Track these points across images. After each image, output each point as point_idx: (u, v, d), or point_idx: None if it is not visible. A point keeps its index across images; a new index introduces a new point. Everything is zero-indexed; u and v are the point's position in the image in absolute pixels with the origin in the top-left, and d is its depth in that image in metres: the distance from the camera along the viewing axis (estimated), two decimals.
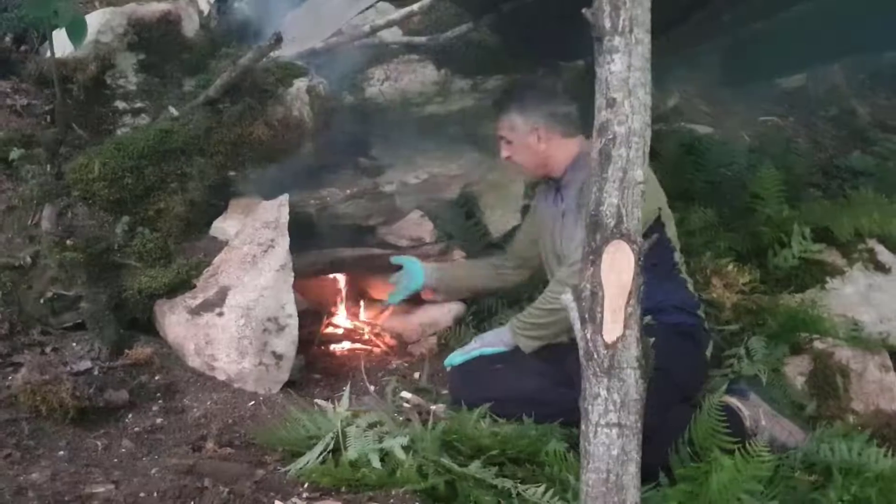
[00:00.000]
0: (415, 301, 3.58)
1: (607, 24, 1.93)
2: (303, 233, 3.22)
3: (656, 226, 2.80)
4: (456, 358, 3.03)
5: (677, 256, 2.96)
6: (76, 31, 2.85)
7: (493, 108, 3.19)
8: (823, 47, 4.35)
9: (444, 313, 3.61)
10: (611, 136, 1.94)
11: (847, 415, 3.01)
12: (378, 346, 3.56)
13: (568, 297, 2.04)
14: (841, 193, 4.45)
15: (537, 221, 3.22)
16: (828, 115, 5.93)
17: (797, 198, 4.18)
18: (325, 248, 3.48)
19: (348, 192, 3.48)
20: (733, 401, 2.73)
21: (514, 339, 2.92)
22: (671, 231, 2.94)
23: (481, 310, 3.64)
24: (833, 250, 3.74)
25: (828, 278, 3.64)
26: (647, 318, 2.00)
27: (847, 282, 3.63)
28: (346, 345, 3.55)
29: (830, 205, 4.04)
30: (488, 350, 2.96)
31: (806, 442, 2.66)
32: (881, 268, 3.72)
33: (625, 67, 1.93)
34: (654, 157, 4.41)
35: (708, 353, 2.93)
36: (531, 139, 2.97)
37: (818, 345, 3.17)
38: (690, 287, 2.98)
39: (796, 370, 3.11)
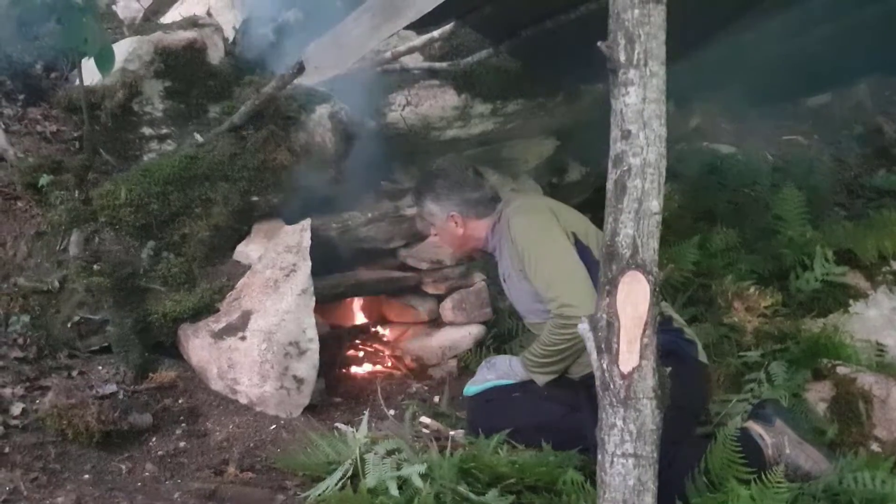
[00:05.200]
0: (434, 322, 3.61)
1: (622, 57, 1.95)
2: (324, 256, 3.25)
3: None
4: (471, 389, 3.05)
5: None
6: (104, 60, 2.90)
7: (412, 196, 3.39)
8: (848, 68, 4.33)
9: (464, 336, 3.64)
10: (626, 168, 1.96)
11: (870, 442, 2.98)
12: (398, 368, 3.58)
13: (584, 327, 2.05)
14: (865, 214, 4.42)
15: None
16: (853, 133, 5.89)
17: (820, 218, 4.16)
18: (347, 270, 3.51)
19: (370, 215, 3.53)
20: (756, 428, 2.70)
21: (528, 374, 2.93)
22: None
23: (501, 332, 3.65)
24: (857, 273, 3.71)
25: (851, 301, 3.61)
26: None
27: (871, 305, 3.60)
28: (367, 367, 3.57)
29: (854, 226, 4.00)
30: (501, 382, 2.98)
31: (831, 470, 2.62)
32: None
33: (640, 100, 1.94)
34: (676, 177, 4.45)
35: (699, 357, 2.86)
36: (450, 225, 3.10)
37: (840, 370, 3.14)
38: None
39: (818, 396, 3.09)
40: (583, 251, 2.83)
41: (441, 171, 3.21)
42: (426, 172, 3.34)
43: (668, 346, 2.72)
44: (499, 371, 3.02)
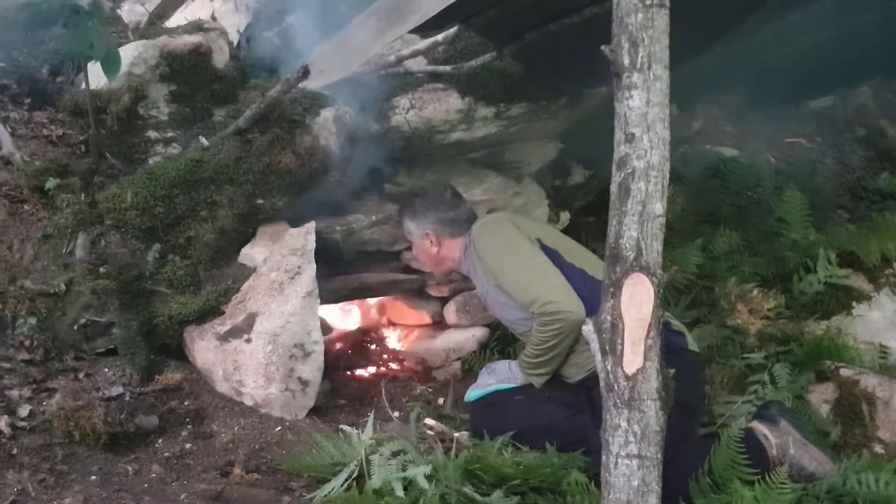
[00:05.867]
0: (438, 325, 3.61)
1: (626, 60, 1.97)
2: (329, 258, 3.27)
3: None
4: (472, 394, 3.08)
5: None
6: (110, 64, 2.92)
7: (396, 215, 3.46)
8: (851, 70, 4.34)
9: (467, 338, 3.65)
10: (630, 171, 1.97)
11: (873, 444, 2.98)
12: (402, 371, 3.59)
13: (588, 329, 2.07)
14: (868, 216, 4.42)
15: None
16: (856, 135, 5.88)
17: (823, 221, 4.17)
18: (351, 273, 3.53)
19: (374, 218, 3.54)
20: (760, 428, 2.69)
21: (525, 377, 2.95)
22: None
23: (505, 334, 3.65)
24: (860, 275, 3.72)
25: (854, 303, 3.61)
26: None
27: (874, 307, 3.61)
28: (372, 369, 3.58)
29: (857, 229, 4.01)
30: (503, 386, 3.00)
31: (835, 472, 2.61)
32: None
33: (643, 103, 1.96)
34: (680, 179, 4.46)
35: (691, 347, 2.88)
36: (425, 243, 3.20)
37: (844, 372, 3.14)
38: None
39: (821, 397, 3.09)
40: (552, 255, 2.87)
41: (420, 190, 3.35)
42: (408, 193, 3.48)
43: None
44: (500, 375, 3.04)
